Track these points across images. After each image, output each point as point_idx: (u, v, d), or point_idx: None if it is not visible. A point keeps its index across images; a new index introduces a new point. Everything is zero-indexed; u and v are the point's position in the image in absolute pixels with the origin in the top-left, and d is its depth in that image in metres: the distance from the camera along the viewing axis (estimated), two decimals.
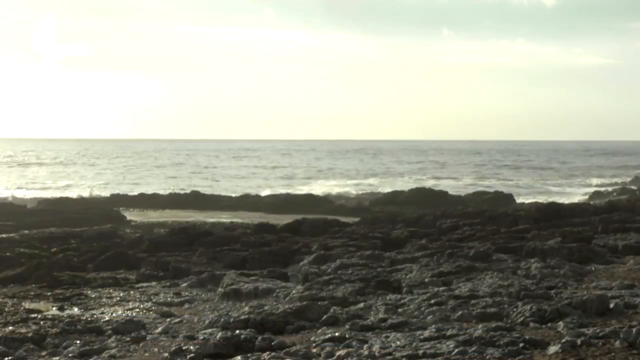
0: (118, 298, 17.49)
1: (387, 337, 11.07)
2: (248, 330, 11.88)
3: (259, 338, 11.09)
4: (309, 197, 52.17)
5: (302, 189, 67.26)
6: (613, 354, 9.41)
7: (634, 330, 9.76)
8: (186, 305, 16.23)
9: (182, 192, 57.70)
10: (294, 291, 15.81)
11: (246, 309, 13.96)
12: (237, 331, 11.54)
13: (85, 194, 60.17)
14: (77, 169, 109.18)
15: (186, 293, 17.89)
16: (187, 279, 19.52)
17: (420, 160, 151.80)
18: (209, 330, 12.33)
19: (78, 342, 12.28)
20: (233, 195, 56.87)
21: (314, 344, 10.93)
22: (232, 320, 12.73)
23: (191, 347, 10.96)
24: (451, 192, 54.33)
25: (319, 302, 13.77)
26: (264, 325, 12.44)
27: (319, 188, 71.17)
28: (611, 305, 12.31)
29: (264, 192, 61.22)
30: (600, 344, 9.85)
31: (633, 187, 65.03)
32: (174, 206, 49.31)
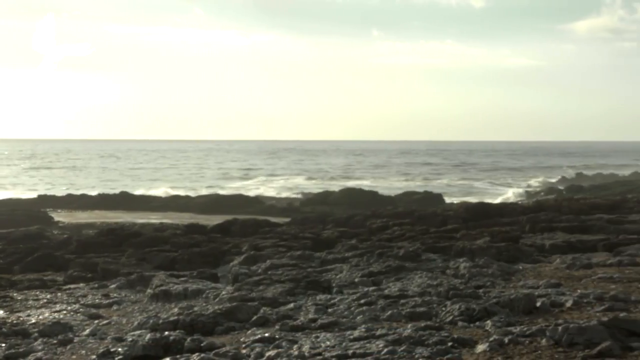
0: (45, 300, 17.23)
1: (317, 337, 11.06)
2: (177, 331, 11.78)
3: (188, 339, 11.01)
4: (240, 197, 52.07)
5: (233, 189, 67.06)
6: (539, 352, 9.52)
7: (560, 328, 9.88)
8: (115, 307, 16.06)
9: (111, 192, 57.11)
10: (223, 292, 15.74)
11: (175, 310, 13.86)
12: (166, 332, 11.44)
13: (11, 194, 59.32)
14: (3, 170, 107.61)
15: (115, 294, 17.70)
16: (116, 280, 19.33)
17: (351, 160, 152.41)
18: (138, 332, 12.22)
19: (3, 345, 12.07)
20: (163, 195, 56.50)
21: (243, 345, 10.89)
22: (161, 321, 12.63)
23: (119, 349, 10.84)
24: (381, 192, 54.60)
25: (249, 303, 13.72)
26: (194, 326, 12.35)
27: (249, 188, 71.06)
28: (538, 304, 12.44)
29: (194, 193, 60.92)
30: (527, 342, 9.95)
31: (560, 187, 65.99)
32: (103, 207, 48.86)
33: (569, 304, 12.43)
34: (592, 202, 32.25)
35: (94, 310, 15.52)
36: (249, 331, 11.99)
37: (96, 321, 14.16)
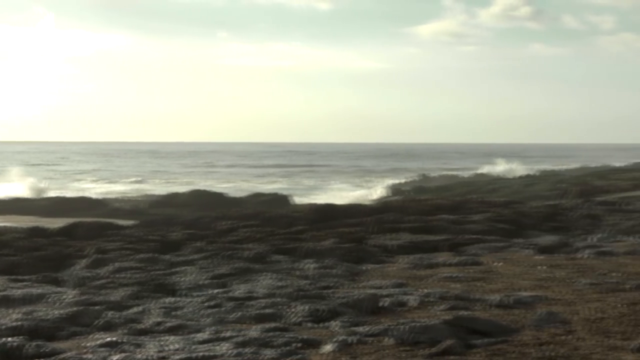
0: None
1: (163, 340, 10.94)
2: (18, 337, 11.44)
3: (29, 345, 10.72)
4: (84, 199, 51.07)
5: (77, 192, 65.77)
6: (385, 351, 9.65)
7: (404, 327, 10.05)
8: None
9: None
10: (67, 296, 15.39)
11: (16, 315, 13.47)
12: (6, 339, 11.10)
13: None
14: None
15: None
16: None
17: (199, 162, 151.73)
18: None
19: None
20: (3, 198, 54.92)
21: (87, 350, 10.67)
22: (1, 327, 12.25)
23: None
24: (230, 193, 54.54)
25: (93, 307, 13.46)
26: (36, 331, 12.03)
27: (94, 190, 69.88)
28: (383, 304, 12.63)
29: (37, 195, 59.42)
30: (372, 341, 10.08)
31: (405, 188, 67.21)
32: None
33: (413, 304, 12.66)
34: (436, 203, 32.92)
35: None
36: (94, 335, 11.77)
37: None
